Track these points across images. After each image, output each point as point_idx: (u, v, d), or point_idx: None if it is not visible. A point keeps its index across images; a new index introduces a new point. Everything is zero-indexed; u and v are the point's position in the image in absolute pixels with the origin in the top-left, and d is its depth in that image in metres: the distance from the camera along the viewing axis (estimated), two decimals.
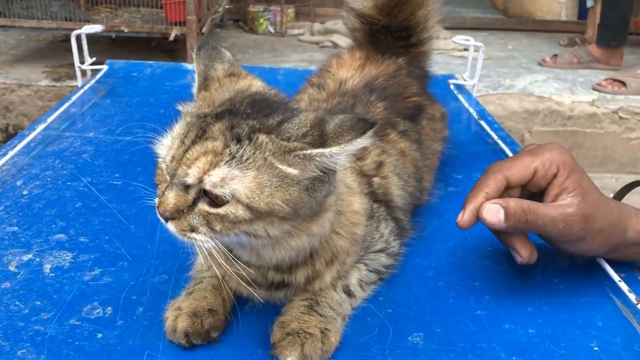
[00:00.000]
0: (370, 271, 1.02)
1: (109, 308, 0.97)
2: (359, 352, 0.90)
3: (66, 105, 1.82)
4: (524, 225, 0.94)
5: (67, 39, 2.42)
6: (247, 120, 0.82)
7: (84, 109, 1.83)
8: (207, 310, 0.91)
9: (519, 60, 4.25)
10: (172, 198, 0.81)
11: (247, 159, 0.79)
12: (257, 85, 0.93)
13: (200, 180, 0.79)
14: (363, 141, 0.80)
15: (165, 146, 0.84)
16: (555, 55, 4.12)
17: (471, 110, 1.86)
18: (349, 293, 0.98)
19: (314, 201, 0.83)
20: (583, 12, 4.97)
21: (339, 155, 0.80)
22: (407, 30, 1.45)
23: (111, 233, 1.18)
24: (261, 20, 4.77)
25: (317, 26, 4.70)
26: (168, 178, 0.83)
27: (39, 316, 0.94)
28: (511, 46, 4.70)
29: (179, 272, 1.06)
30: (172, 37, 3.39)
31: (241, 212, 0.79)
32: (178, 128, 0.86)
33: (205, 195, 0.80)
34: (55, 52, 3.82)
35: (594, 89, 3.61)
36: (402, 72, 1.38)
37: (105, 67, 2.15)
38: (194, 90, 0.91)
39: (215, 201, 0.80)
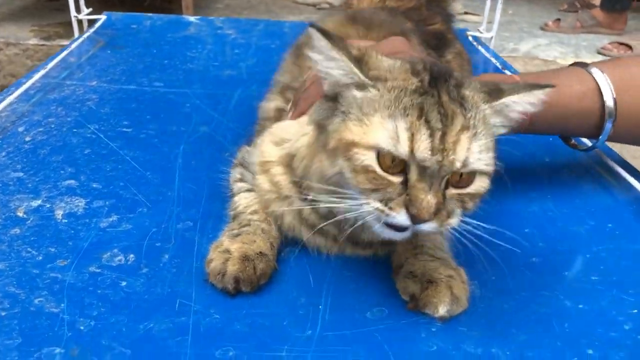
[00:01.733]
0: None
1: (131, 255, 0.87)
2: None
3: (64, 53, 1.70)
4: None
5: None
6: (447, 81, 0.75)
7: (83, 59, 1.72)
8: (259, 254, 0.83)
9: (520, 24, 4.15)
10: (433, 198, 0.70)
11: (477, 124, 0.73)
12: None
13: (465, 162, 0.71)
14: (541, 93, 0.77)
15: (404, 139, 0.70)
16: (558, 19, 4.03)
17: (494, 60, 1.77)
18: (441, 233, 0.88)
19: None
20: None
21: (525, 104, 0.78)
22: None
23: (126, 179, 1.08)
24: None
25: None
26: (425, 174, 0.71)
27: (55, 263, 0.84)
28: (511, 11, 4.59)
29: (205, 219, 0.97)
30: None
31: (487, 182, 0.76)
32: (403, 119, 0.71)
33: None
34: (41, 10, 3.65)
35: (599, 52, 3.53)
36: (423, 7, 1.30)
37: (103, 18, 2.03)
38: (358, 74, 0.75)
39: (458, 183, 0.74)
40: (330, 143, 0.75)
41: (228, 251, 0.82)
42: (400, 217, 0.71)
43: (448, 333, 0.77)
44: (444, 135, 0.70)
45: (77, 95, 1.44)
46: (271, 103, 1.12)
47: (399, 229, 0.73)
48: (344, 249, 0.87)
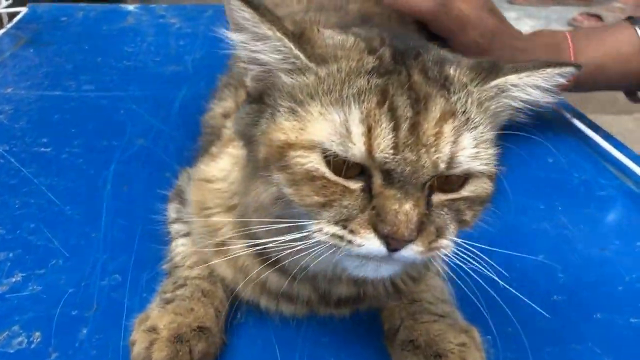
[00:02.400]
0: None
1: (37, 334, 0.66)
2: None
3: None
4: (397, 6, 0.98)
5: None
6: (420, 56, 0.55)
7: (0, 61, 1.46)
8: (197, 329, 0.62)
9: None
10: (412, 208, 0.50)
11: (469, 110, 0.53)
12: None
13: (452, 162, 0.51)
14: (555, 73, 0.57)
15: (355, 135, 0.50)
16: None
17: None
18: (438, 274, 0.70)
19: None
20: None
21: (530, 88, 0.57)
22: None
23: (38, 219, 0.85)
24: None
25: None
26: (397, 179, 0.50)
27: None
28: None
29: (138, 270, 0.76)
30: None
31: (488, 184, 0.55)
32: (357, 106, 0.51)
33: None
34: None
35: (570, 24, 3.41)
36: None
37: (24, 10, 1.76)
38: (300, 56, 0.54)
39: (447, 186, 0.53)
40: (259, 154, 0.54)
41: (155, 329, 0.61)
42: (369, 243, 0.50)
43: None
44: (415, 126, 0.50)
45: None
46: (217, 108, 0.90)
47: (372, 258, 0.52)
48: (316, 310, 0.67)
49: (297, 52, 0.53)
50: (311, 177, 0.51)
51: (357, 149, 0.50)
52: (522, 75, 0.56)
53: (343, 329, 0.68)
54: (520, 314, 0.71)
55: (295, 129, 0.52)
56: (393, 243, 0.50)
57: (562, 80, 0.57)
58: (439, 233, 0.52)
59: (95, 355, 0.64)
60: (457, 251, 0.55)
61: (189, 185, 0.73)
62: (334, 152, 0.50)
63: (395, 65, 0.53)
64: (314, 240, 0.52)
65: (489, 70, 0.57)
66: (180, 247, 0.72)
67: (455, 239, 0.54)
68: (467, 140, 0.52)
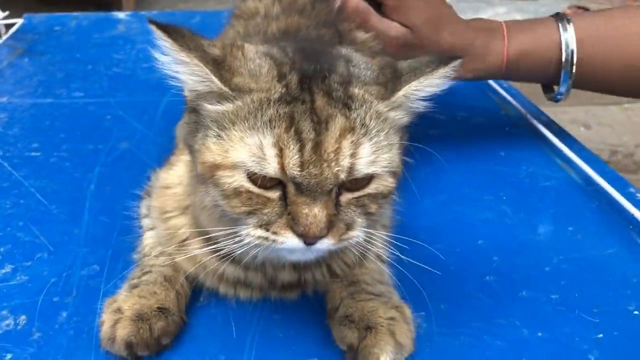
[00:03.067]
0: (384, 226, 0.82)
1: (23, 317, 0.75)
2: None
3: None
4: (361, 25, 0.98)
5: None
6: (326, 79, 0.63)
7: None
8: (157, 310, 0.70)
9: None
10: (320, 210, 0.59)
11: (369, 122, 0.62)
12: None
13: (351, 171, 0.60)
14: (447, 71, 0.66)
15: (271, 155, 0.59)
16: None
17: None
18: (381, 260, 0.78)
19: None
20: None
21: (429, 87, 0.66)
22: None
23: (27, 218, 0.94)
24: None
25: None
26: (306, 189, 0.60)
27: None
28: None
29: (114, 261, 0.84)
30: None
31: (389, 181, 0.65)
32: (270, 132, 0.60)
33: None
34: None
35: None
36: None
37: (20, 21, 1.86)
38: (216, 82, 0.62)
39: (354, 185, 0.63)
40: (197, 167, 0.64)
41: (120, 310, 0.70)
42: (289, 241, 0.61)
43: None
44: (318, 145, 0.59)
45: None
46: (182, 119, 0.98)
47: (296, 250, 0.62)
48: (268, 294, 0.76)
49: (213, 78, 0.61)
50: (238, 192, 0.61)
51: (271, 168, 0.59)
52: (422, 79, 0.65)
53: (293, 309, 0.76)
54: (453, 293, 0.80)
55: (221, 152, 0.61)
56: (308, 240, 0.60)
57: (453, 74, 0.66)
58: (349, 227, 0.62)
59: (73, 335, 0.72)
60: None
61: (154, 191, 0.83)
62: (253, 171, 0.60)
63: (301, 92, 0.61)
64: (246, 242, 0.62)
65: (393, 80, 0.65)
66: (148, 240, 0.80)
67: (364, 229, 0.64)
68: (365, 150, 0.60)
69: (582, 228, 0.92)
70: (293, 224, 0.60)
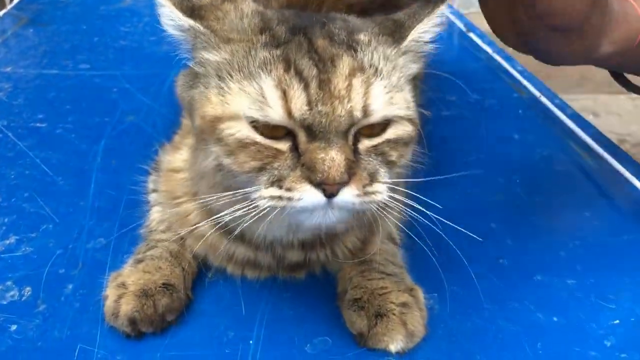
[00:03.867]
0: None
1: (28, 288, 0.73)
2: None
3: None
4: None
5: None
6: (325, 25, 0.62)
7: (1, 41, 1.53)
8: (162, 286, 0.69)
9: None
10: (337, 153, 0.55)
11: (378, 64, 0.59)
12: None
13: (366, 110, 0.57)
14: (444, 9, 0.64)
15: (273, 99, 0.56)
16: None
17: (458, 22, 1.63)
18: (394, 241, 0.77)
19: None
20: None
21: (433, 28, 0.65)
22: None
23: (32, 188, 0.93)
24: None
25: None
26: (318, 131, 0.56)
27: None
28: None
29: (121, 234, 0.82)
30: None
31: (410, 127, 0.62)
32: (267, 75, 0.57)
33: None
34: None
35: None
36: None
37: None
38: (195, 25, 0.61)
39: (372, 131, 0.59)
40: (195, 122, 0.61)
41: (124, 285, 0.68)
42: (307, 195, 0.55)
43: None
44: (325, 83, 0.56)
45: None
46: None
47: (315, 209, 0.57)
48: (277, 274, 0.74)
49: (191, 22, 0.60)
50: (244, 144, 0.57)
51: (275, 112, 0.55)
52: (426, 21, 0.63)
53: (304, 288, 0.75)
54: (466, 276, 0.78)
55: (221, 104, 0.58)
56: (328, 189, 0.55)
57: (446, 12, 0.65)
58: (372, 178, 0.58)
59: (79, 308, 0.71)
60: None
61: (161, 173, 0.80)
62: (256, 119, 0.56)
63: (292, 37, 0.59)
64: (258, 205, 0.57)
65: (398, 29, 0.63)
66: (155, 214, 0.79)
67: (388, 181, 0.60)
68: (378, 88, 0.57)
69: (598, 214, 0.90)
70: (309, 173, 0.55)
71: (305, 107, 0.55)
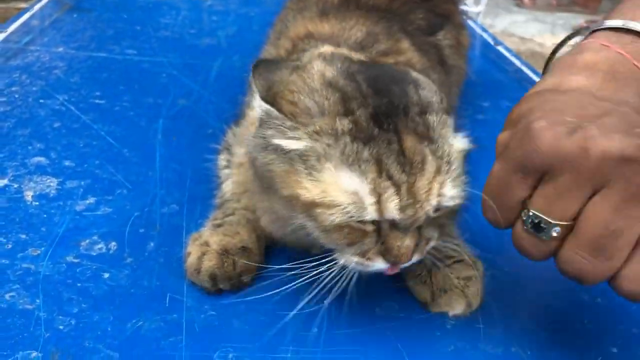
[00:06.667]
0: None
1: (113, 243, 0.79)
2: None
3: (26, 16, 1.56)
4: None
5: None
6: (408, 113, 0.64)
7: (47, 23, 1.58)
8: (241, 248, 0.74)
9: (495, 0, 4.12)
10: (411, 241, 0.63)
11: (448, 157, 0.63)
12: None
13: (438, 208, 0.63)
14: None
15: (369, 203, 0.60)
16: None
17: (485, 36, 1.71)
18: None
19: None
20: None
21: None
22: None
23: (101, 157, 0.98)
24: None
25: None
26: (401, 226, 0.62)
27: (27, 252, 0.75)
28: None
29: (191, 203, 0.88)
30: None
31: (462, 199, 0.65)
32: (361, 176, 0.60)
33: None
34: None
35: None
36: None
37: None
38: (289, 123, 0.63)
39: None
40: (282, 191, 0.63)
41: (207, 244, 0.74)
42: (379, 265, 0.64)
43: (464, 331, 0.72)
44: (411, 188, 0.61)
45: (43, 62, 1.32)
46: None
47: None
48: None
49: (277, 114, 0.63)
50: (339, 227, 0.62)
51: (369, 214, 0.60)
52: None
53: None
54: (514, 257, 0.84)
55: (317, 191, 0.60)
56: (397, 265, 0.64)
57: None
58: (428, 242, 0.66)
59: (163, 264, 0.76)
60: None
61: (233, 148, 0.86)
62: (353, 215, 0.61)
63: (379, 131, 0.61)
64: (339, 263, 0.65)
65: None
66: (229, 186, 0.84)
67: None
68: (449, 187, 0.62)
69: None
70: (385, 253, 0.63)
71: (396, 212, 0.60)
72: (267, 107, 0.64)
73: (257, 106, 0.66)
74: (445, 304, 0.73)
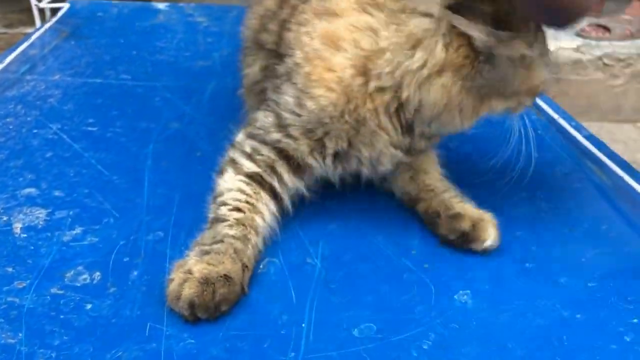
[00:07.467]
0: None
1: (97, 273, 0.80)
2: (402, 314, 0.77)
3: (25, 45, 1.60)
4: None
5: None
6: None
7: (45, 51, 1.62)
8: (223, 277, 0.75)
9: None
10: None
11: None
12: None
13: None
14: None
15: None
16: None
17: None
18: None
19: None
20: None
21: None
22: None
23: (91, 185, 1.00)
24: None
25: None
26: None
27: (12, 285, 0.77)
28: None
29: (177, 229, 0.90)
30: None
31: None
32: None
33: None
34: None
35: (578, 35, 3.50)
36: None
37: (66, 6, 1.92)
38: None
39: None
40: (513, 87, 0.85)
41: (190, 272, 0.75)
42: None
43: (441, 351, 0.72)
44: None
45: (38, 91, 1.35)
46: (255, 65, 1.03)
47: None
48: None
49: None
50: None
51: None
52: None
53: (348, 276, 0.82)
54: (495, 276, 0.85)
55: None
56: None
57: None
58: None
59: (145, 292, 0.78)
60: None
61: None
62: None
63: None
64: None
65: None
66: (224, 184, 0.88)
67: None
68: None
69: (614, 227, 0.97)
70: None
71: None
72: None
73: None
74: (482, 230, 0.88)
